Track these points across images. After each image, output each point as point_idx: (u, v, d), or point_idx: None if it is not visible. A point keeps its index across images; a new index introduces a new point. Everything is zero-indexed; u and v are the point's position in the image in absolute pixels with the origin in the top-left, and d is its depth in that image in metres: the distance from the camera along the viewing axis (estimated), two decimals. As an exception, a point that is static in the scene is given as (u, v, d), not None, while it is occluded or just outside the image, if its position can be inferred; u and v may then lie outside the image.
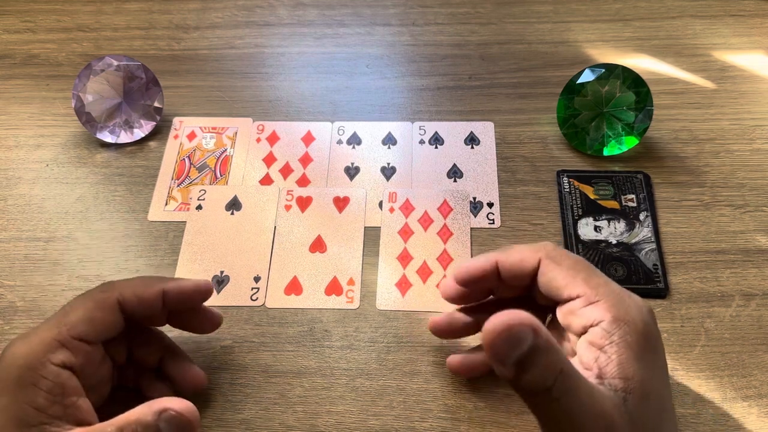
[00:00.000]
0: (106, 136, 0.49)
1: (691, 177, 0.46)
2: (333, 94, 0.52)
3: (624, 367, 0.29)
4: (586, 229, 0.44)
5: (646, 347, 0.29)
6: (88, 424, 0.30)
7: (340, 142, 0.49)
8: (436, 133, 0.49)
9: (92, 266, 0.44)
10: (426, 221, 0.45)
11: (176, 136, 0.50)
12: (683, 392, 0.37)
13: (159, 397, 0.31)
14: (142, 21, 0.58)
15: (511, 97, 0.51)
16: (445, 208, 0.45)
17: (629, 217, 0.44)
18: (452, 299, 0.37)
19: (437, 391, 0.38)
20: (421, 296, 0.42)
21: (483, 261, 0.34)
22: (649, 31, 0.55)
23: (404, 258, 0.43)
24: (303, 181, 0.47)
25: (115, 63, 0.48)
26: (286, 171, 0.48)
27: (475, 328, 0.37)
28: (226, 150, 0.49)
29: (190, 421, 0.30)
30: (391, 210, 0.45)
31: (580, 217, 0.44)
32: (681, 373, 0.38)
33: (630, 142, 0.46)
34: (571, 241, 0.43)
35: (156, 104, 0.50)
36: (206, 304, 0.37)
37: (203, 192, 0.47)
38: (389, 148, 0.49)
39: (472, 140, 0.49)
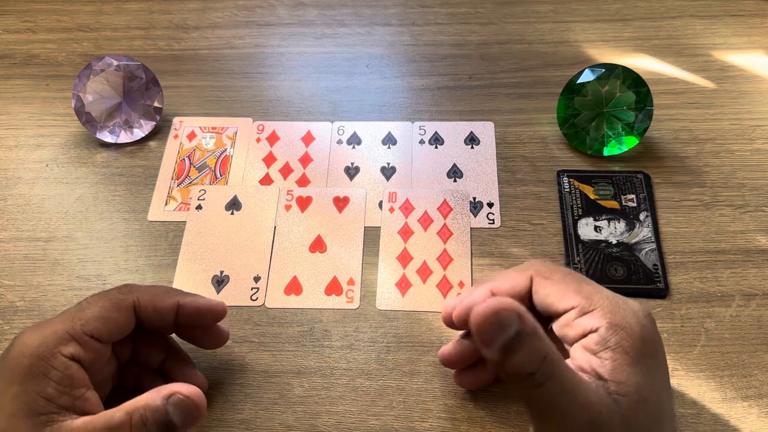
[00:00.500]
0: (106, 136, 0.49)
1: (691, 177, 0.46)
2: (333, 94, 0.52)
3: (617, 371, 0.29)
4: (586, 229, 0.44)
5: (644, 352, 0.29)
6: None
7: (340, 142, 0.49)
8: (436, 133, 0.49)
9: (92, 266, 0.44)
10: (426, 221, 0.45)
11: (176, 136, 0.50)
12: (683, 392, 0.37)
13: None
14: (142, 21, 0.58)
15: (511, 97, 0.51)
16: (445, 208, 0.45)
17: (629, 217, 0.44)
18: (451, 326, 0.36)
19: (437, 391, 0.38)
20: (421, 296, 0.42)
21: (479, 297, 0.33)
22: (649, 31, 0.55)
23: (404, 258, 0.43)
24: (303, 181, 0.47)
25: (115, 63, 0.48)
26: (286, 171, 0.48)
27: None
28: (226, 150, 0.49)
29: (197, 404, 0.30)
30: (391, 210, 0.45)
31: (580, 217, 0.44)
32: (681, 373, 0.38)
33: (630, 142, 0.46)
34: (571, 241, 0.43)
35: (156, 104, 0.50)
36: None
37: (203, 192, 0.47)
38: (389, 148, 0.49)
39: (472, 140, 0.49)
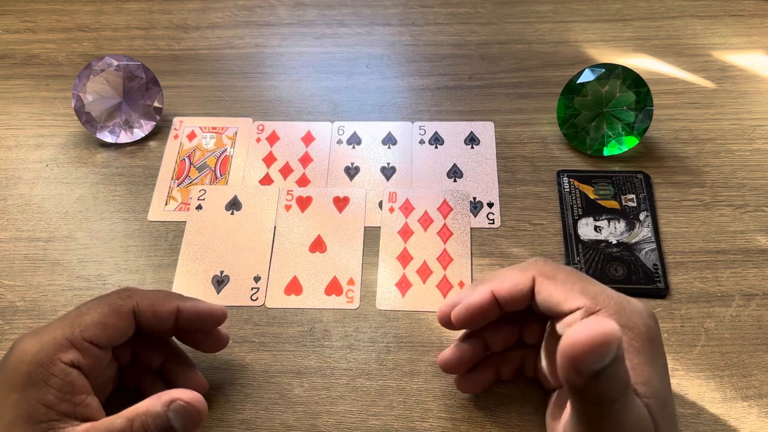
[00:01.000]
0: (106, 136, 0.49)
1: (691, 177, 0.46)
2: (333, 94, 0.52)
3: (638, 372, 0.28)
4: (586, 229, 0.44)
5: (653, 351, 0.29)
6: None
7: (340, 141, 0.49)
8: (436, 133, 0.49)
9: (92, 266, 0.44)
10: (426, 221, 0.45)
11: (176, 136, 0.50)
12: (683, 392, 0.37)
13: None
14: (142, 21, 0.58)
15: (511, 97, 0.51)
16: (445, 208, 0.45)
17: (629, 217, 0.44)
18: (448, 327, 0.35)
19: (437, 391, 0.38)
20: (421, 296, 0.42)
21: (480, 297, 0.33)
22: (649, 31, 0.55)
23: (404, 258, 0.43)
24: (303, 181, 0.47)
25: (115, 63, 0.48)
26: (286, 171, 0.48)
27: (483, 350, 0.36)
28: (226, 150, 0.49)
29: (198, 410, 0.30)
30: (391, 210, 0.45)
31: (580, 217, 0.44)
32: (681, 373, 0.38)
33: (630, 142, 0.46)
34: (571, 241, 0.43)
35: (156, 104, 0.50)
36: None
37: (203, 192, 0.47)
38: (389, 148, 0.49)
39: (472, 140, 0.49)
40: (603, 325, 0.24)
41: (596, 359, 0.24)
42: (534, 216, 0.45)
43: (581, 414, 0.28)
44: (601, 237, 0.43)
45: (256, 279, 0.43)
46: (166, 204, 0.47)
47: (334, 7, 0.58)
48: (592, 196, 0.45)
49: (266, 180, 0.48)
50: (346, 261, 0.43)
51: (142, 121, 0.49)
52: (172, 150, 0.49)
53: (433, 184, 0.47)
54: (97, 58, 0.49)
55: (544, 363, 0.34)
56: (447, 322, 0.34)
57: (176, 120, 0.51)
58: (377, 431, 0.37)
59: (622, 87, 0.45)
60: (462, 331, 0.36)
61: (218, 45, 0.56)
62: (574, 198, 0.45)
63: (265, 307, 0.42)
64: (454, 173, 0.47)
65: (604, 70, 0.46)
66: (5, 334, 0.41)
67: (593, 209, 0.44)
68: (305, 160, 0.49)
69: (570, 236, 0.43)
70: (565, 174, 0.46)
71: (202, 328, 0.36)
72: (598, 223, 0.44)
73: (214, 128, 0.51)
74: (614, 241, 0.43)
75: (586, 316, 0.30)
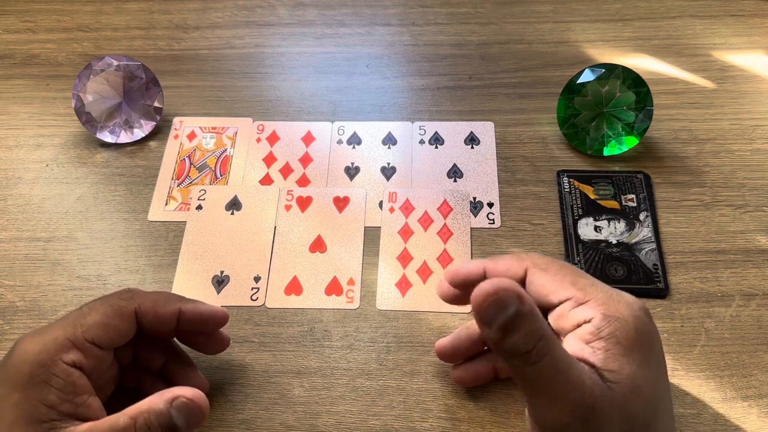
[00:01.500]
0: (106, 136, 0.49)
1: (691, 177, 0.46)
2: (333, 94, 0.52)
3: (609, 360, 0.29)
4: (586, 229, 0.44)
5: (638, 343, 0.30)
6: None
7: (340, 142, 0.49)
8: (436, 133, 0.50)
9: (92, 266, 0.44)
10: (426, 221, 0.45)
11: (176, 136, 0.50)
12: (683, 392, 0.37)
13: None
14: (142, 21, 0.58)
15: (511, 97, 0.51)
16: (445, 208, 0.45)
17: (629, 217, 0.44)
18: (448, 299, 0.36)
19: (437, 391, 0.38)
20: (421, 296, 0.42)
21: (472, 266, 0.34)
22: (649, 31, 0.55)
23: (404, 258, 0.43)
24: (303, 181, 0.47)
25: (115, 63, 0.48)
26: (286, 171, 0.48)
27: (480, 343, 0.36)
28: (226, 150, 0.49)
29: (201, 407, 0.31)
30: (391, 210, 0.45)
31: (580, 217, 0.44)
32: (681, 373, 0.38)
33: (630, 142, 0.46)
34: (571, 241, 0.43)
35: (156, 104, 0.50)
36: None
37: (203, 192, 0.47)
38: (389, 148, 0.49)
39: (472, 140, 0.49)
40: (496, 282, 0.27)
41: (496, 311, 0.27)
42: (534, 216, 0.45)
43: (514, 376, 0.29)
44: (601, 237, 0.43)
45: (257, 279, 0.43)
46: (166, 204, 0.47)
47: (334, 7, 0.58)
48: (592, 196, 0.45)
49: (266, 180, 0.48)
50: (346, 261, 0.43)
51: (142, 121, 0.49)
52: (172, 150, 0.49)
53: (433, 184, 0.47)
54: (97, 58, 0.49)
55: None
56: (445, 291, 0.36)
57: (176, 120, 0.51)
58: (377, 431, 0.37)
59: (622, 87, 0.45)
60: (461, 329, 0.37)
61: (218, 45, 0.56)
62: (574, 198, 0.45)
63: (265, 307, 0.42)
64: (454, 173, 0.47)
65: (604, 70, 0.46)
66: (5, 334, 0.41)
67: (593, 209, 0.44)
68: (305, 160, 0.49)
69: (570, 236, 0.43)
70: (565, 174, 0.46)
71: (203, 330, 0.36)
72: (598, 223, 0.44)
73: (214, 128, 0.51)
74: (614, 241, 0.43)
75: (576, 307, 0.31)
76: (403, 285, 0.42)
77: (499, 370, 0.37)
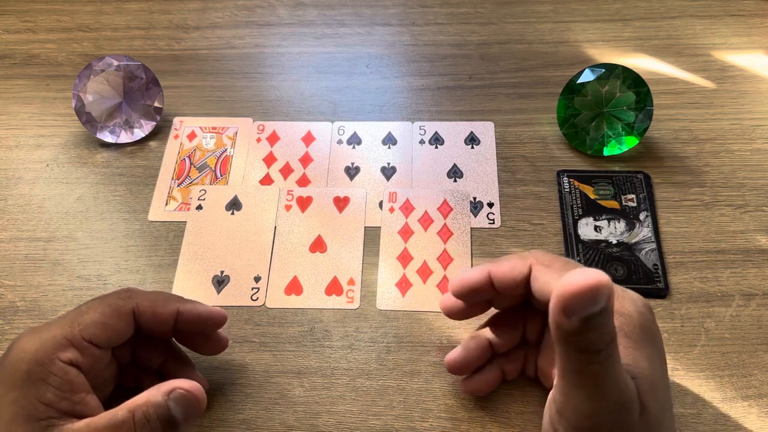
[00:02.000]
0: (106, 136, 0.49)
1: (691, 177, 0.46)
2: (333, 94, 0.52)
3: (625, 354, 0.29)
4: (586, 229, 0.44)
5: (644, 338, 0.30)
6: None
7: (340, 142, 0.50)
8: (436, 133, 0.50)
9: (92, 266, 0.44)
10: (426, 221, 0.45)
11: (176, 136, 0.50)
12: (683, 392, 0.37)
13: None
14: (142, 21, 0.58)
15: (511, 97, 0.51)
16: (445, 208, 0.45)
17: (629, 217, 0.44)
18: (453, 314, 0.36)
19: (437, 391, 0.38)
20: (422, 296, 0.42)
21: (476, 273, 0.34)
22: (649, 31, 0.55)
23: (404, 258, 0.43)
24: (303, 181, 0.47)
25: (115, 63, 0.48)
26: (286, 171, 0.48)
27: (489, 350, 0.36)
28: (226, 150, 0.49)
29: (198, 398, 0.31)
30: (391, 210, 0.45)
31: (580, 217, 0.44)
32: (681, 373, 0.38)
33: (630, 142, 0.47)
34: (571, 241, 0.43)
35: (156, 104, 0.50)
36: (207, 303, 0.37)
37: (203, 192, 0.47)
38: (389, 148, 0.49)
39: (472, 140, 0.49)
40: (596, 275, 0.25)
41: (586, 304, 0.25)
42: (534, 216, 0.45)
43: (566, 365, 0.28)
44: (601, 237, 0.43)
45: (257, 279, 0.43)
46: (166, 204, 0.47)
47: (334, 7, 0.58)
48: (592, 196, 0.45)
49: (266, 180, 0.48)
50: (347, 261, 0.43)
51: (142, 121, 0.49)
52: (172, 150, 0.49)
53: (433, 184, 0.47)
54: (97, 58, 0.49)
55: (543, 360, 0.34)
56: (449, 305, 0.36)
57: (176, 120, 0.51)
58: (377, 431, 0.37)
59: (622, 87, 0.45)
60: (468, 336, 0.37)
61: (218, 45, 0.56)
62: (574, 198, 0.45)
63: (266, 307, 0.42)
64: (454, 173, 0.47)
65: (604, 70, 0.46)
66: (5, 334, 0.41)
67: (593, 209, 0.45)
68: (305, 160, 0.49)
69: (570, 236, 0.43)
70: (565, 174, 0.46)
71: (201, 330, 0.36)
72: (598, 223, 0.44)
73: (214, 128, 0.51)
74: (614, 241, 0.43)
75: None
76: (404, 285, 0.42)
77: (507, 373, 0.37)
